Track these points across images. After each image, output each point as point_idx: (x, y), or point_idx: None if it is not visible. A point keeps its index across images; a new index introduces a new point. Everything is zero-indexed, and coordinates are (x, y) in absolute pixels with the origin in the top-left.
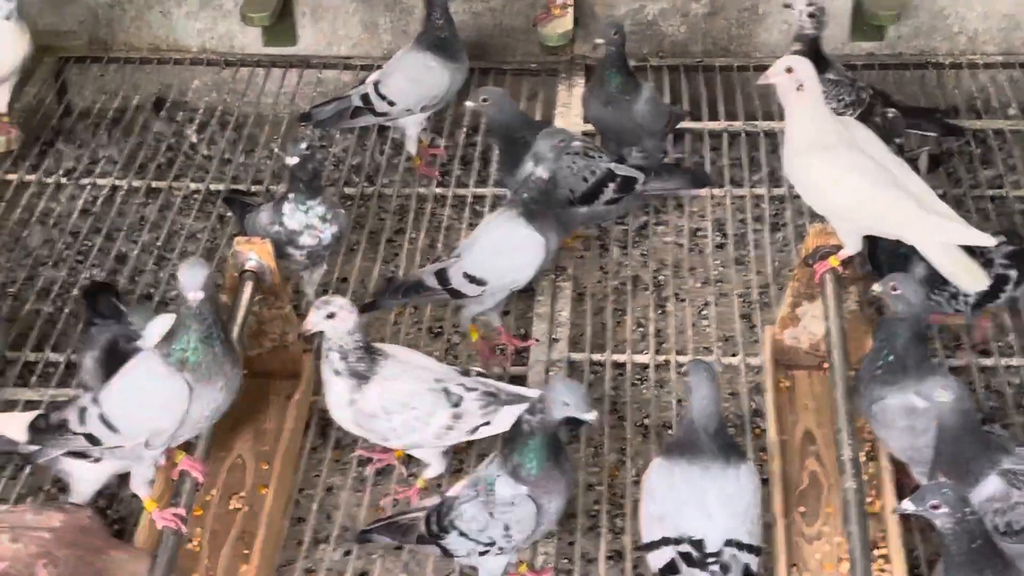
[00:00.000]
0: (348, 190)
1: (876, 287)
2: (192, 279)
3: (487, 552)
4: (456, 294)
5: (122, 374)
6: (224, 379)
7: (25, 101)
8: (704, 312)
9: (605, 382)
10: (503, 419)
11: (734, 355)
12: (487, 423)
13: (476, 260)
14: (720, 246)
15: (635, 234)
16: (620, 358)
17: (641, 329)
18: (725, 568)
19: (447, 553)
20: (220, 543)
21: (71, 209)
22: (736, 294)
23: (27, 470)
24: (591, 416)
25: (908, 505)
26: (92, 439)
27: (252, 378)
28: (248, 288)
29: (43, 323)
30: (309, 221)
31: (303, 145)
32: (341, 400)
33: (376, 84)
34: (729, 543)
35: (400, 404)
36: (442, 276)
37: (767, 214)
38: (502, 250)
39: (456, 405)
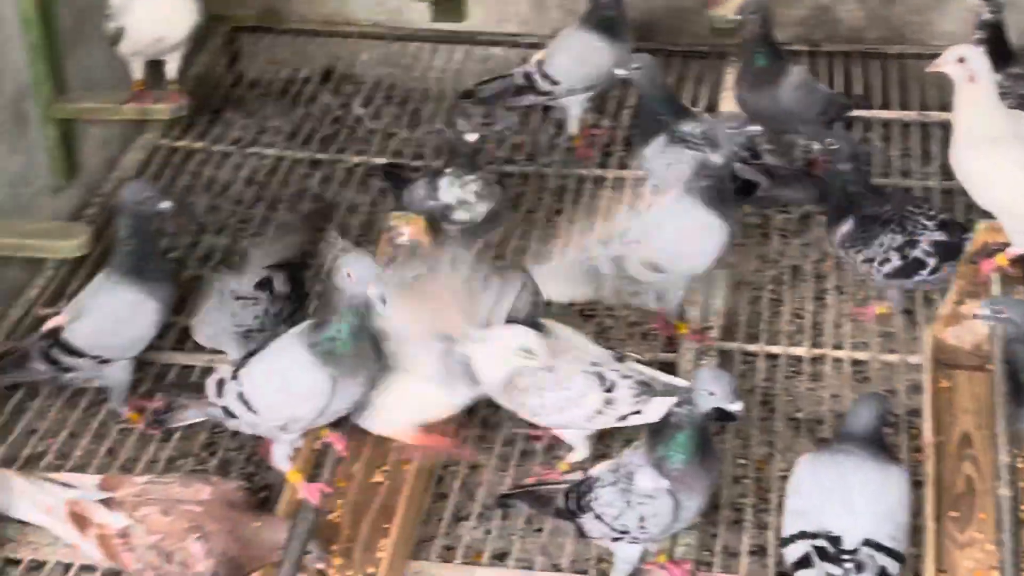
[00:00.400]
0: (508, 168)
1: (978, 310)
2: (365, 272)
3: (620, 539)
4: (634, 282)
5: (266, 357)
6: (367, 373)
7: (196, 70)
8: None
9: (757, 373)
10: (654, 409)
11: (892, 352)
12: (638, 412)
13: (655, 247)
14: None
15: (798, 223)
16: (774, 349)
17: (798, 321)
18: (859, 567)
19: (582, 533)
20: (361, 516)
21: (236, 177)
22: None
23: (177, 434)
24: (738, 407)
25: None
26: (228, 412)
27: None
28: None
29: None
30: (464, 196)
31: (476, 120)
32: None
33: (540, 63)
34: (868, 543)
35: (553, 383)
36: (618, 263)
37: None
38: (683, 237)
39: (609, 391)
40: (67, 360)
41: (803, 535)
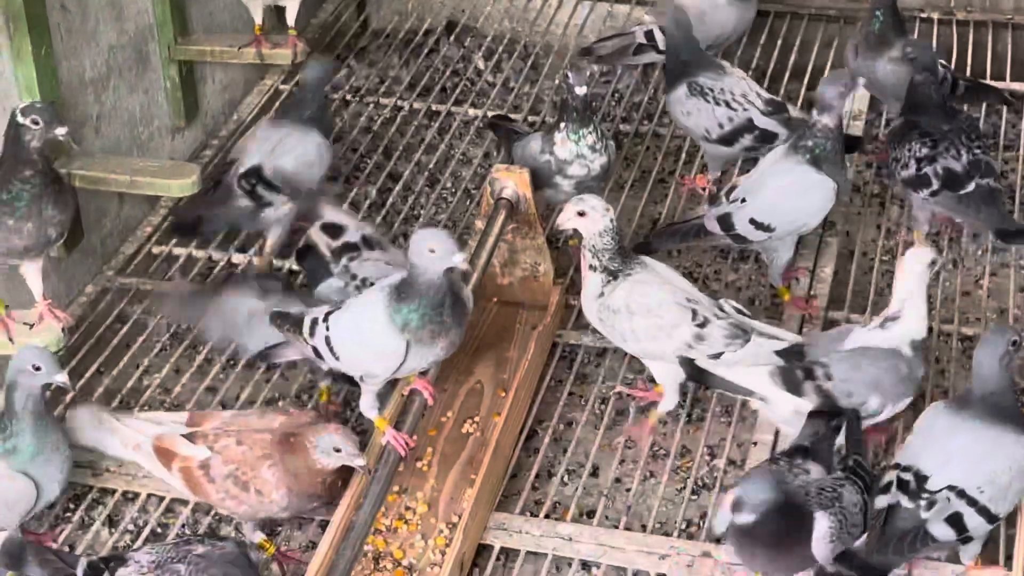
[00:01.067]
0: (624, 127)
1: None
2: (450, 245)
3: None
4: (740, 239)
5: (353, 307)
6: (445, 339)
7: (323, 17)
8: (980, 281)
9: None
10: (747, 352)
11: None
12: (730, 350)
13: (764, 205)
14: (1008, 212)
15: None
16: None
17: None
18: (931, 504)
19: None
20: (449, 465)
21: (354, 126)
22: (1019, 265)
23: (277, 373)
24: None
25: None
26: (317, 353)
27: (500, 306)
28: (502, 216)
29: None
30: (580, 151)
31: (587, 73)
32: (591, 292)
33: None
34: (952, 488)
35: (645, 308)
36: (726, 221)
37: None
38: (792, 195)
39: (701, 326)
40: (267, 195)
41: (897, 466)
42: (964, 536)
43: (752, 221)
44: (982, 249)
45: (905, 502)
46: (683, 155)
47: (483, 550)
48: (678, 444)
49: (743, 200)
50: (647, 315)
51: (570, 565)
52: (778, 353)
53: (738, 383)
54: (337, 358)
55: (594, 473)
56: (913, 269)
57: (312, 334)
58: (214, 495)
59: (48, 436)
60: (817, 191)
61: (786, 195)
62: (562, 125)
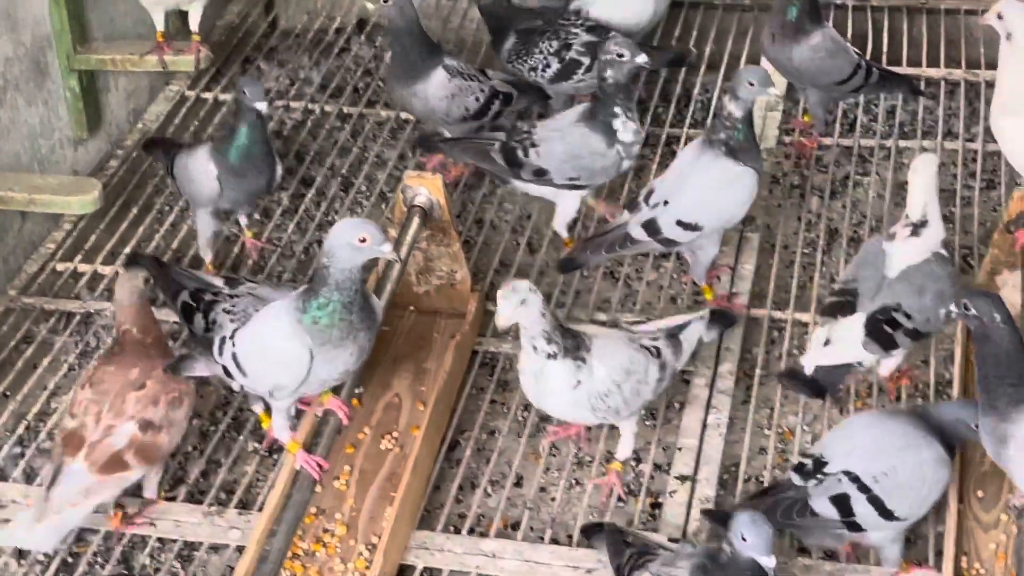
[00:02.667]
0: None
1: (951, 307)
2: (379, 234)
3: None
4: (668, 242)
5: (255, 321)
6: (355, 345)
7: (229, 19)
8: None
9: (786, 341)
10: (683, 357)
11: None
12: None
13: (688, 204)
14: None
15: (837, 184)
16: (804, 317)
17: (833, 286)
18: (820, 483)
19: None
20: (368, 483)
21: None
22: None
23: None
24: (770, 562)
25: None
26: (227, 372)
27: (417, 315)
28: (415, 223)
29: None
30: (636, 127)
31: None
32: (562, 385)
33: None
34: (847, 474)
35: (624, 372)
36: (651, 226)
37: (980, 171)
38: (715, 190)
39: (658, 356)
40: None
41: (804, 454)
42: (851, 520)
43: (679, 223)
44: None
45: (798, 479)
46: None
47: (405, 571)
48: (602, 451)
49: (665, 203)
50: (628, 377)
51: None
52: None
53: (841, 363)
54: (245, 374)
55: (518, 483)
56: (927, 172)
57: (221, 353)
58: (166, 442)
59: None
60: (740, 182)
61: (710, 191)
62: (616, 109)
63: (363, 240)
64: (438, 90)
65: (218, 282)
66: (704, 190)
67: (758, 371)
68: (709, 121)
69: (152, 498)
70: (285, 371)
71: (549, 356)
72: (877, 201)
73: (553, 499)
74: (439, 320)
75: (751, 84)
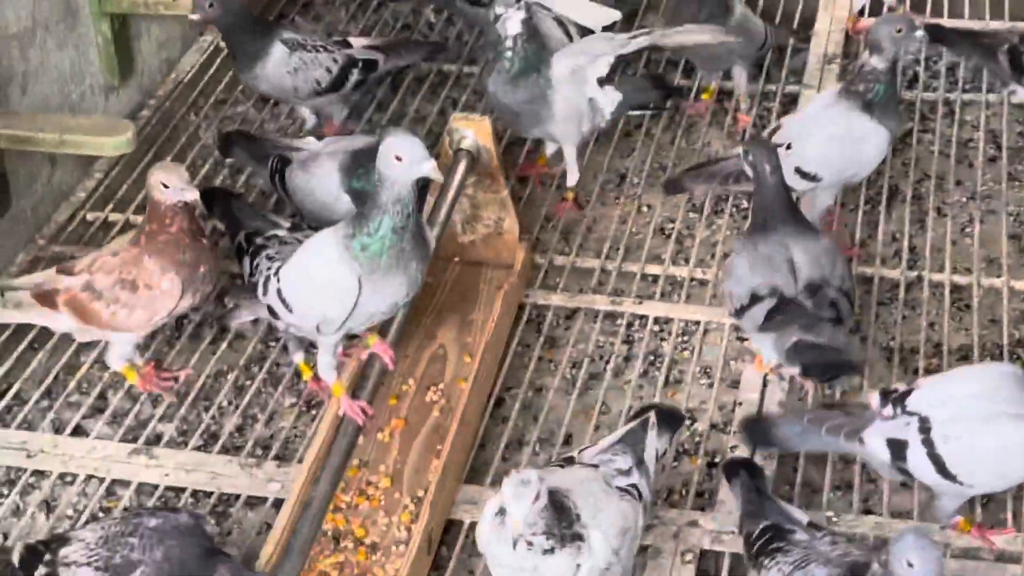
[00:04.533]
0: None
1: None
2: (416, 150)
3: None
4: None
5: (301, 252)
6: (405, 276)
7: None
8: (967, 229)
9: None
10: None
11: (998, 277)
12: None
13: (812, 154)
14: (992, 159)
15: (898, 142)
16: (867, 271)
17: (895, 244)
18: (894, 416)
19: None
20: (413, 436)
21: None
22: (1006, 212)
23: (225, 344)
24: None
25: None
26: (272, 311)
27: (462, 266)
28: (462, 168)
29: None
30: None
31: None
32: (568, 571)
33: None
34: (922, 419)
35: (621, 534)
36: None
37: None
38: (843, 144)
39: (640, 498)
40: None
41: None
42: (900, 464)
43: (798, 170)
44: (967, 196)
45: (876, 402)
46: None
47: (451, 526)
48: None
49: (788, 146)
50: (624, 536)
51: None
52: None
53: None
54: (291, 311)
55: (567, 441)
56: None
57: (265, 292)
58: (105, 314)
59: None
60: (870, 141)
61: (837, 144)
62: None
63: (398, 158)
64: (278, 67)
65: (284, 225)
66: (830, 142)
67: None
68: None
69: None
70: (333, 301)
71: (545, 552)
72: (940, 159)
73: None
74: (485, 271)
75: (898, 31)
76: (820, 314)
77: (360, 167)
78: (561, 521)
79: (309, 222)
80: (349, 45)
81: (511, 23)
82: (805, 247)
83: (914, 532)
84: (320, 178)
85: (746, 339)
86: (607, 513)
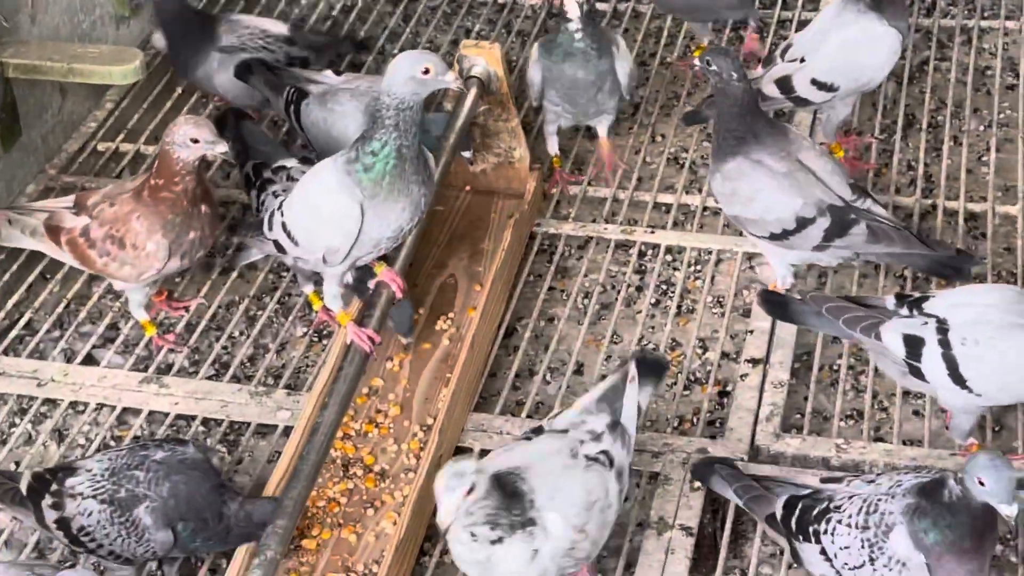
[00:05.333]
0: (602, 5)
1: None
2: (442, 64)
3: None
4: (801, 102)
5: (301, 183)
6: (408, 199)
7: None
8: (984, 158)
9: None
10: (631, 444)
11: (1013, 205)
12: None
13: (826, 63)
14: (1011, 87)
15: (915, 69)
16: (882, 199)
17: (910, 172)
18: (910, 315)
19: (795, 555)
20: (422, 364)
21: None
22: (1023, 140)
23: (235, 274)
24: (1011, 511)
25: (696, 61)
26: (279, 247)
27: (473, 195)
28: (472, 95)
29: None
30: None
31: None
32: (523, 558)
33: None
34: (940, 321)
35: (584, 509)
36: (785, 84)
37: None
38: (857, 50)
39: (611, 464)
40: None
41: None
42: (914, 362)
43: (814, 82)
44: (984, 125)
45: (891, 304)
46: (664, 36)
47: (461, 454)
48: (668, 337)
49: (802, 60)
50: (590, 510)
51: None
52: None
53: None
54: (296, 243)
55: (578, 371)
56: None
57: (271, 227)
58: (98, 262)
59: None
60: (882, 42)
61: (850, 50)
62: None
63: (426, 71)
64: (221, 74)
65: (292, 159)
66: (844, 49)
67: None
68: None
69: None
70: (336, 230)
71: (494, 542)
72: (957, 87)
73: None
74: (496, 200)
75: None
76: (891, 222)
77: None
78: (511, 508)
79: (321, 156)
80: (293, 42)
81: (571, 6)
82: (811, 154)
83: (987, 452)
84: (339, 115)
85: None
86: (568, 491)
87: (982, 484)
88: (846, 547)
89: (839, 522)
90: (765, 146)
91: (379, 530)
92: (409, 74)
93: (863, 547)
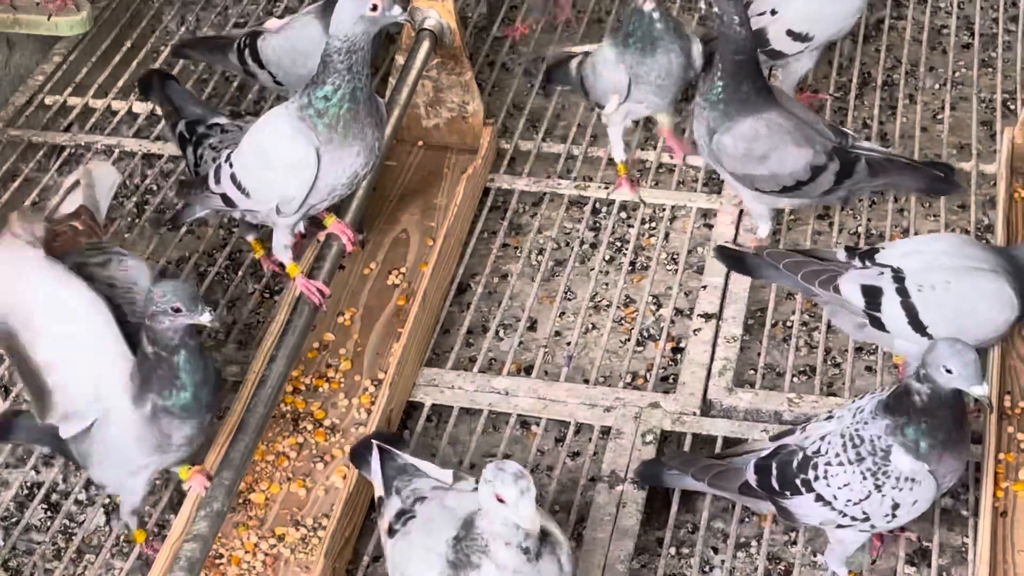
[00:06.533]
0: None
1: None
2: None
3: (850, 527)
4: (775, 55)
5: (252, 131)
6: (362, 143)
7: None
8: (939, 116)
9: None
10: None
11: (967, 162)
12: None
13: (801, 13)
14: (966, 46)
15: (871, 28)
16: None
17: (866, 131)
18: (863, 266)
19: (784, 513)
20: (373, 319)
21: None
22: (978, 97)
23: (184, 231)
24: (983, 391)
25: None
26: (227, 200)
27: (426, 150)
28: (424, 48)
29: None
30: None
31: None
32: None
33: None
34: (895, 270)
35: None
36: (759, 37)
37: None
38: None
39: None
40: None
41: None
42: (874, 315)
43: (790, 32)
44: (939, 83)
45: (842, 256)
46: None
47: (412, 409)
48: (621, 293)
49: (773, 12)
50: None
51: (507, 423)
52: None
53: None
54: (247, 194)
55: (531, 327)
56: None
57: (218, 181)
58: None
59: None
60: None
61: None
62: None
63: (374, 8)
64: None
65: (222, 116)
66: None
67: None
68: None
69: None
70: (291, 178)
71: (537, 557)
72: (913, 45)
73: (568, 343)
74: (449, 155)
75: None
76: (881, 152)
77: None
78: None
79: (288, 86)
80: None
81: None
82: (793, 104)
83: (944, 339)
84: (298, 30)
85: (712, 225)
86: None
87: (949, 372)
88: (846, 484)
89: (828, 464)
90: (769, 102)
91: (329, 484)
92: (357, 13)
93: (865, 479)
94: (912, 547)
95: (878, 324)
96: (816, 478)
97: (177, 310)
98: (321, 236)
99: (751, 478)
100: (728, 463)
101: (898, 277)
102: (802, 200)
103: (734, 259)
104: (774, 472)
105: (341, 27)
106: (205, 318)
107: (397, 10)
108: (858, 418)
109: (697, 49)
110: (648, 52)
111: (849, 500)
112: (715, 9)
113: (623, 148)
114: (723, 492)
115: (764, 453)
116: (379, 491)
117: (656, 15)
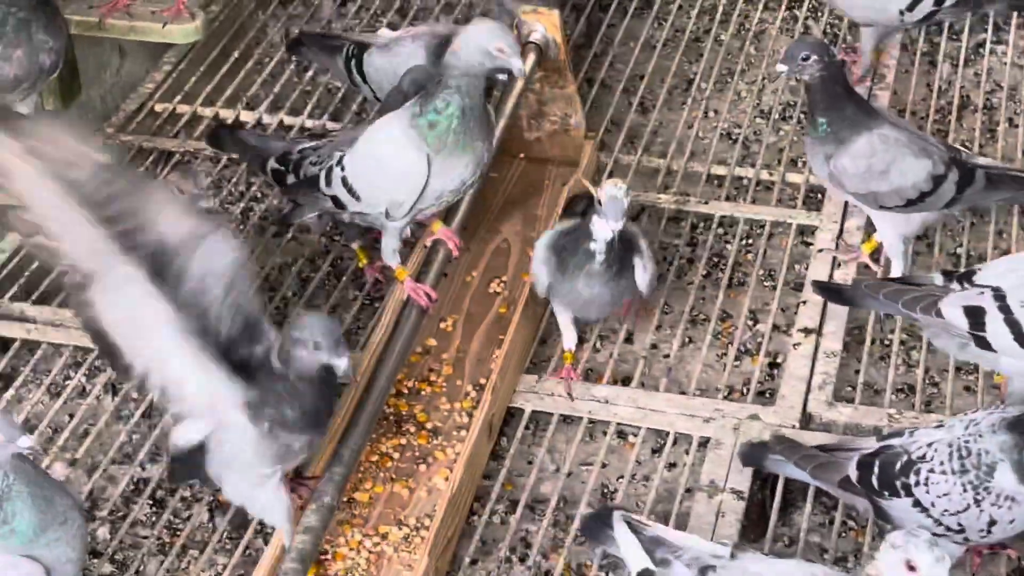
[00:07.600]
0: None
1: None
2: (512, 43)
3: (943, 536)
4: None
5: (365, 138)
6: (472, 155)
7: None
8: None
9: None
10: None
11: None
12: None
13: None
14: None
15: (970, 52)
16: None
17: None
18: (962, 288)
19: (880, 514)
20: (475, 326)
21: None
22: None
23: (288, 237)
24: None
25: (781, 67)
26: (337, 202)
27: (528, 162)
28: (530, 61)
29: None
30: None
31: None
32: None
33: None
34: (995, 290)
35: None
36: None
37: None
38: None
39: None
40: None
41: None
42: (980, 335)
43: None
44: None
45: (939, 280)
46: (718, 14)
47: (512, 415)
48: (718, 309)
49: None
50: None
51: (605, 433)
52: None
53: None
54: (358, 198)
55: (628, 339)
56: None
57: (328, 183)
58: None
59: (51, 508)
60: None
61: None
62: None
63: (501, 51)
64: None
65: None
66: None
67: None
68: None
69: None
70: (402, 183)
71: None
72: (1014, 69)
73: (666, 355)
74: (551, 168)
75: None
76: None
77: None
78: None
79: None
80: None
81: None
82: (896, 117)
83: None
84: (404, 56)
85: (811, 243)
86: None
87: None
88: (945, 494)
89: (931, 471)
90: (874, 118)
91: (431, 485)
92: (483, 47)
93: (965, 491)
94: (1011, 566)
95: (984, 344)
96: (917, 483)
97: (317, 346)
98: (427, 242)
99: (852, 474)
100: (832, 456)
101: (999, 296)
102: (927, 215)
103: (832, 292)
104: (876, 471)
105: (464, 51)
106: (342, 364)
107: (517, 62)
108: (971, 430)
109: (643, 280)
110: (574, 278)
111: (946, 510)
112: (813, 57)
113: (573, 336)
114: (823, 484)
115: (869, 451)
116: (640, 564)
117: (600, 256)
